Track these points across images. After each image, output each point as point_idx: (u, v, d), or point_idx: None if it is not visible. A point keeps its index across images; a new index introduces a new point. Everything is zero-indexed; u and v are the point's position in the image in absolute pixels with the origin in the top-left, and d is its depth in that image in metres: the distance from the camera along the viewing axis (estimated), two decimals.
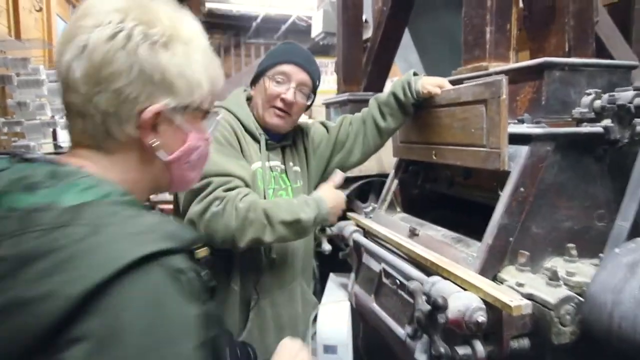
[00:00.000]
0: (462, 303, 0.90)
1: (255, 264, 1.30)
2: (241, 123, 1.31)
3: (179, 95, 0.62)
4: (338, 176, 1.37)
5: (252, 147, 1.32)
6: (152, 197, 4.84)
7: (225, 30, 9.09)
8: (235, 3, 7.68)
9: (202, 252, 0.59)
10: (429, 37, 3.25)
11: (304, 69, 1.32)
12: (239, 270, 1.28)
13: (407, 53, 3.42)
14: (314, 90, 1.37)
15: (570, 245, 1.02)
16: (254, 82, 1.37)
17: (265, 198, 1.24)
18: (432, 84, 1.32)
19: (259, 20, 8.05)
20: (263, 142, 1.33)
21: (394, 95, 1.39)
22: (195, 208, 1.11)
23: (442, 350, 0.89)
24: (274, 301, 1.35)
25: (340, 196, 1.31)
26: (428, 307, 0.91)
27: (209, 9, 7.20)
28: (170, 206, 5.21)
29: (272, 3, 7.17)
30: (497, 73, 1.26)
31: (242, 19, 8.36)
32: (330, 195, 1.27)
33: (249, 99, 1.40)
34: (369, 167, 1.97)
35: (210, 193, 1.12)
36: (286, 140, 1.42)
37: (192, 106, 0.65)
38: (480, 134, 1.11)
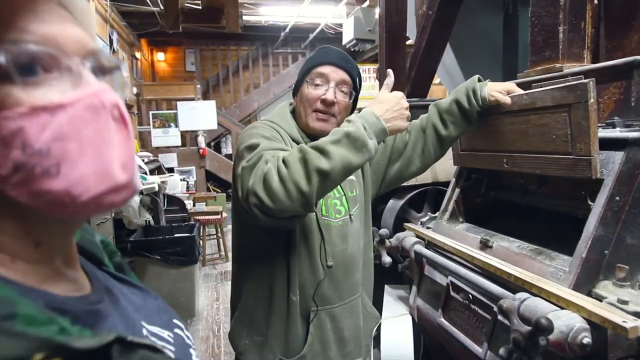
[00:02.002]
0: (563, 323, 0.83)
1: (313, 272, 1.25)
2: (287, 133, 1.27)
3: None
4: (389, 77, 1.18)
5: None
6: (188, 209, 4.94)
7: (254, 41, 9.18)
8: (265, 14, 7.75)
9: None
10: (467, 40, 3.17)
11: (341, 67, 1.27)
12: (297, 279, 1.24)
13: (443, 55, 3.35)
14: (355, 88, 1.31)
15: None
16: (295, 92, 1.34)
17: (315, 207, 1.11)
18: (500, 90, 1.25)
19: (287, 30, 8.10)
20: None
21: (458, 103, 1.33)
22: (251, 180, 1.03)
23: None
24: (334, 313, 1.31)
25: (395, 96, 1.11)
26: (527, 328, 0.85)
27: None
28: (205, 217, 5.22)
29: (301, 12, 7.20)
30: (573, 74, 1.19)
31: (271, 29, 8.43)
32: (379, 101, 1.10)
33: (293, 112, 1.36)
34: (423, 176, 1.91)
35: (261, 160, 1.06)
36: None
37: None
38: (564, 140, 1.04)
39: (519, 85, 1.28)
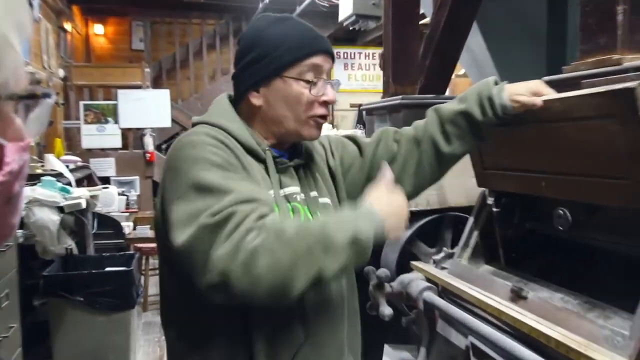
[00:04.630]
0: None
1: (286, 335, 1.22)
2: (237, 141, 1.24)
3: None
4: (385, 171, 1.24)
5: (258, 171, 1.25)
6: (126, 234, 4.86)
7: (223, 13, 9.23)
8: None
9: None
10: (500, 19, 3.21)
11: (331, 53, 1.29)
12: (265, 344, 1.20)
13: (468, 38, 3.39)
14: None
15: None
16: (255, 86, 1.26)
17: None
18: (526, 92, 1.24)
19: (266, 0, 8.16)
20: (271, 161, 1.27)
21: (467, 114, 1.32)
22: (220, 252, 1.02)
23: None
24: None
25: (397, 199, 1.19)
26: None
27: None
28: (150, 244, 5.23)
29: None
30: (636, 69, 1.19)
31: None
32: (383, 200, 1.16)
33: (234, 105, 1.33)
34: (437, 199, 1.91)
35: (239, 225, 1.03)
36: (299, 157, 1.35)
37: (2, 93, 0.50)
38: (617, 160, 1.04)
39: (565, 82, 1.28)
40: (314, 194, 1.33)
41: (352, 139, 1.49)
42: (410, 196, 1.42)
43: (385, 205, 1.14)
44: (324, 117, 1.28)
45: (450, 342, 1.46)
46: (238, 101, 1.31)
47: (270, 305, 1.12)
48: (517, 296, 1.26)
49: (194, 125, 1.28)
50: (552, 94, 1.23)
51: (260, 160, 1.26)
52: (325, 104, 1.26)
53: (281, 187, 1.26)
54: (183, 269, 1.11)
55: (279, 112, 1.26)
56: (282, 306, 1.18)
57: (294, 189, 1.29)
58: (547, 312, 1.17)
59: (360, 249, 1.07)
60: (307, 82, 1.23)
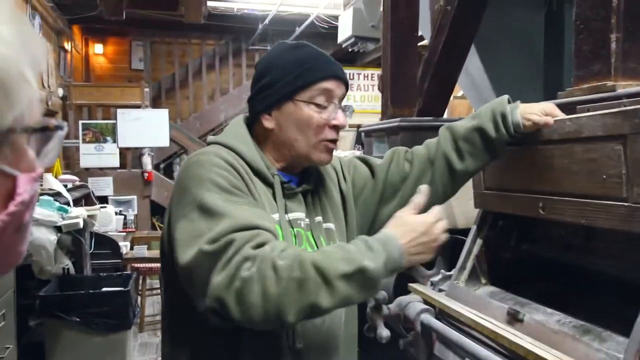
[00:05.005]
0: None
1: (274, 358, 1.23)
2: (247, 163, 1.25)
3: None
4: (421, 195, 1.20)
5: (264, 194, 1.26)
6: (124, 253, 4.85)
7: (223, 34, 9.31)
8: (238, 0, 7.89)
9: None
10: (496, 38, 3.25)
11: (344, 80, 1.31)
12: None
13: (466, 60, 3.43)
14: None
15: None
16: (268, 109, 1.28)
17: None
18: (538, 112, 1.27)
19: (267, 21, 8.25)
20: (278, 186, 1.28)
21: (481, 130, 1.34)
22: (217, 279, 1.04)
23: None
24: None
25: (424, 224, 1.13)
26: None
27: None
28: (147, 265, 5.22)
29: (285, 0, 7.36)
30: (629, 95, 1.22)
31: (245, 20, 8.56)
32: (406, 228, 1.12)
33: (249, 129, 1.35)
34: None
35: (236, 253, 1.05)
36: (308, 183, 1.36)
37: (17, 126, 0.52)
38: (618, 182, 1.06)
39: (560, 107, 1.31)
40: (318, 219, 1.35)
41: (364, 160, 1.50)
42: None
43: (410, 230, 1.12)
44: (334, 142, 1.29)
45: None
46: (252, 124, 1.33)
47: (267, 330, 1.12)
48: (513, 319, 1.26)
49: (208, 144, 1.31)
50: (562, 115, 1.26)
51: (269, 184, 1.28)
52: (336, 128, 1.28)
53: (286, 212, 1.28)
54: (184, 286, 1.14)
55: (289, 135, 1.27)
56: (271, 334, 1.19)
57: (299, 214, 1.30)
58: (543, 334, 1.17)
59: (365, 280, 1.05)
60: (318, 105, 1.25)
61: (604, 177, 1.09)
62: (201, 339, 1.23)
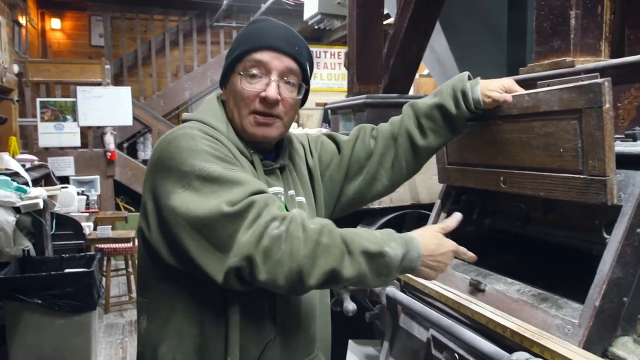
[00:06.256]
0: None
1: (257, 331, 1.24)
2: (229, 141, 1.26)
3: None
4: (452, 219, 1.26)
5: (249, 169, 1.27)
6: (87, 234, 4.77)
7: (186, 10, 9.13)
8: None
9: None
10: (461, 19, 3.29)
11: (286, 52, 1.26)
12: (237, 339, 1.22)
13: (432, 39, 3.46)
14: (305, 79, 1.31)
15: None
16: (223, 82, 1.32)
17: None
18: (498, 89, 1.29)
19: None
20: (258, 163, 1.29)
21: (441, 107, 1.36)
22: (245, 237, 1.04)
23: None
24: None
25: (447, 246, 1.18)
26: None
27: None
28: (111, 245, 5.16)
29: None
30: (587, 71, 1.25)
31: None
32: (430, 239, 1.17)
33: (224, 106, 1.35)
34: (400, 196, 1.95)
35: (261, 213, 1.06)
36: (283, 159, 1.37)
37: None
38: (574, 155, 1.09)
39: (520, 83, 1.33)
40: (291, 192, 1.36)
41: (331, 137, 1.52)
42: (387, 191, 1.48)
43: (435, 243, 1.16)
44: (263, 115, 1.26)
45: (412, 336, 1.49)
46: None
47: (287, 294, 1.15)
48: (475, 289, 1.31)
49: (184, 121, 1.30)
50: (521, 91, 1.28)
51: (250, 160, 1.28)
52: (264, 100, 1.24)
53: (269, 187, 1.28)
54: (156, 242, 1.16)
55: (231, 108, 1.28)
56: (253, 301, 1.20)
57: (278, 189, 1.31)
58: (503, 303, 1.21)
59: (382, 266, 1.08)
60: (252, 76, 1.24)
61: (561, 150, 1.12)
62: (184, 312, 1.22)
